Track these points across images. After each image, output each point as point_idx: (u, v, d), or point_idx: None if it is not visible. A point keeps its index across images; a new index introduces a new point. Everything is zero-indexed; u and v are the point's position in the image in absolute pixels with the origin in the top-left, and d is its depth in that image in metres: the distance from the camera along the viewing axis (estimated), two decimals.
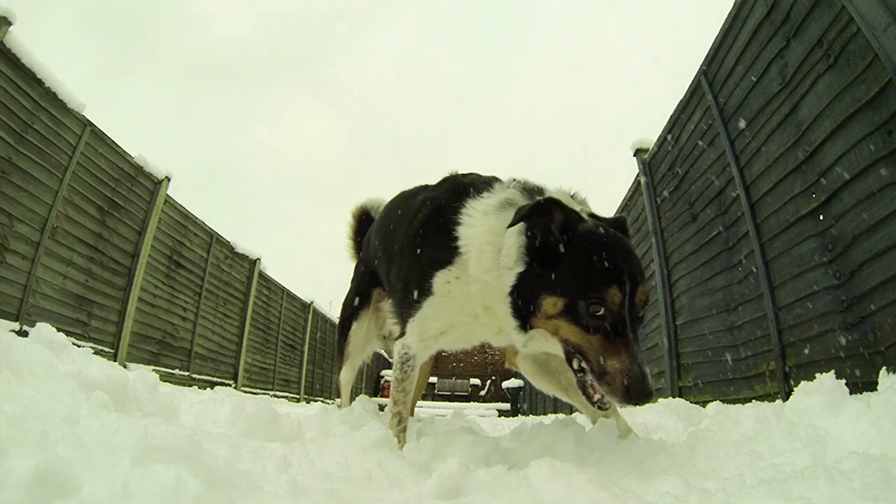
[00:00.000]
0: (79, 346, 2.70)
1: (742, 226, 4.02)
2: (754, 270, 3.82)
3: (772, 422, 1.64)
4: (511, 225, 1.71)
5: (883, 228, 2.53)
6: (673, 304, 5.58)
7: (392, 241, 2.44)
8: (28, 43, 5.15)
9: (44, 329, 2.48)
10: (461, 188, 2.07)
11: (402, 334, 2.17)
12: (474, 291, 1.88)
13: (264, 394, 11.06)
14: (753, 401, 3.39)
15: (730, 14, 4.09)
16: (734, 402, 3.66)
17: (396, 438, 2.06)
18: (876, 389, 1.91)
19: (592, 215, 1.83)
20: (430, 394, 23.10)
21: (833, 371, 1.88)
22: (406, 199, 2.63)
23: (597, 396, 1.63)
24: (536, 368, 2.31)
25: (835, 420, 1.57)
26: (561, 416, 2.44)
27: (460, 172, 2.38)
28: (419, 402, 3.44)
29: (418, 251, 2.12)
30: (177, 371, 8.36)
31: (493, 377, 25.79)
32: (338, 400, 3.53)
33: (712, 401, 3.77)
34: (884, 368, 2.05)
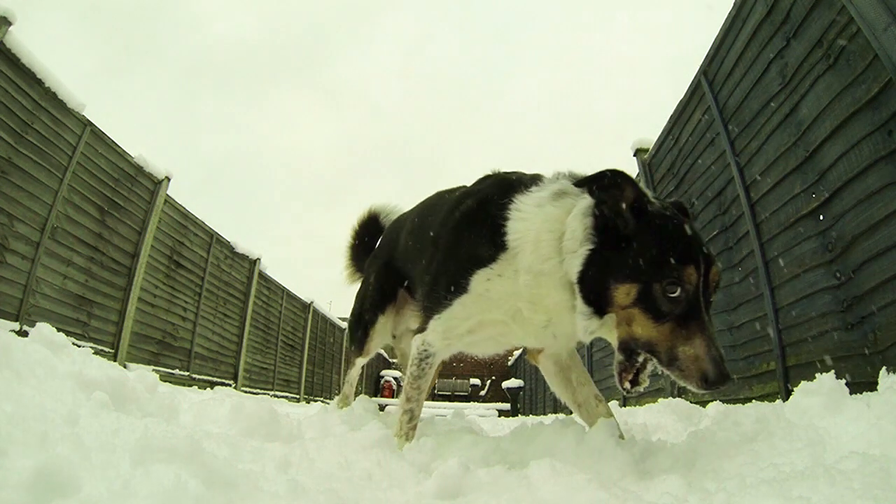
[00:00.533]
0: (79, 346, 2.70)
1: (742, 226, 4.02)
2: (754, 270, 3.82)
3: (772, 422, 1.64)
4: (579, 185, 1.64)
5: (883, 228, 2.53)
6: None
7: (426, 236, 2.34)
8: (28, 43, 5.15)
9: (44, 329, 2.47)
10: (507, 184, 1.98)
11: (422, 330, 2.07)
12: (522, 285, 1.80)
13: (264, 394, 11.06)
14: (753, 401, 3.39)
15: (730, 14, 4.09)
16: (734, 402, 3.66)
17: (405, 436, 2.03)
18: (876, 389, 1.91)
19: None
20: (430, 394, 23.03)
21: (833, 371, 1.87)
22: (445, 196, 2.56)
23: (626, 385, 1.60)
24: (556, 371, 2.25)
25: (835, 420, 1.56)
26: (561, 416, 2.44)
27: (502, 170, 2.25)
28: None
29: (457, 247, 2.03)
30: (177, 371, 8.36)
31: (493, 377, 25.78)
32: (337, 396, 3.47)
33: (712, 401, 3.78)
34: (884, 368, 2.05)
